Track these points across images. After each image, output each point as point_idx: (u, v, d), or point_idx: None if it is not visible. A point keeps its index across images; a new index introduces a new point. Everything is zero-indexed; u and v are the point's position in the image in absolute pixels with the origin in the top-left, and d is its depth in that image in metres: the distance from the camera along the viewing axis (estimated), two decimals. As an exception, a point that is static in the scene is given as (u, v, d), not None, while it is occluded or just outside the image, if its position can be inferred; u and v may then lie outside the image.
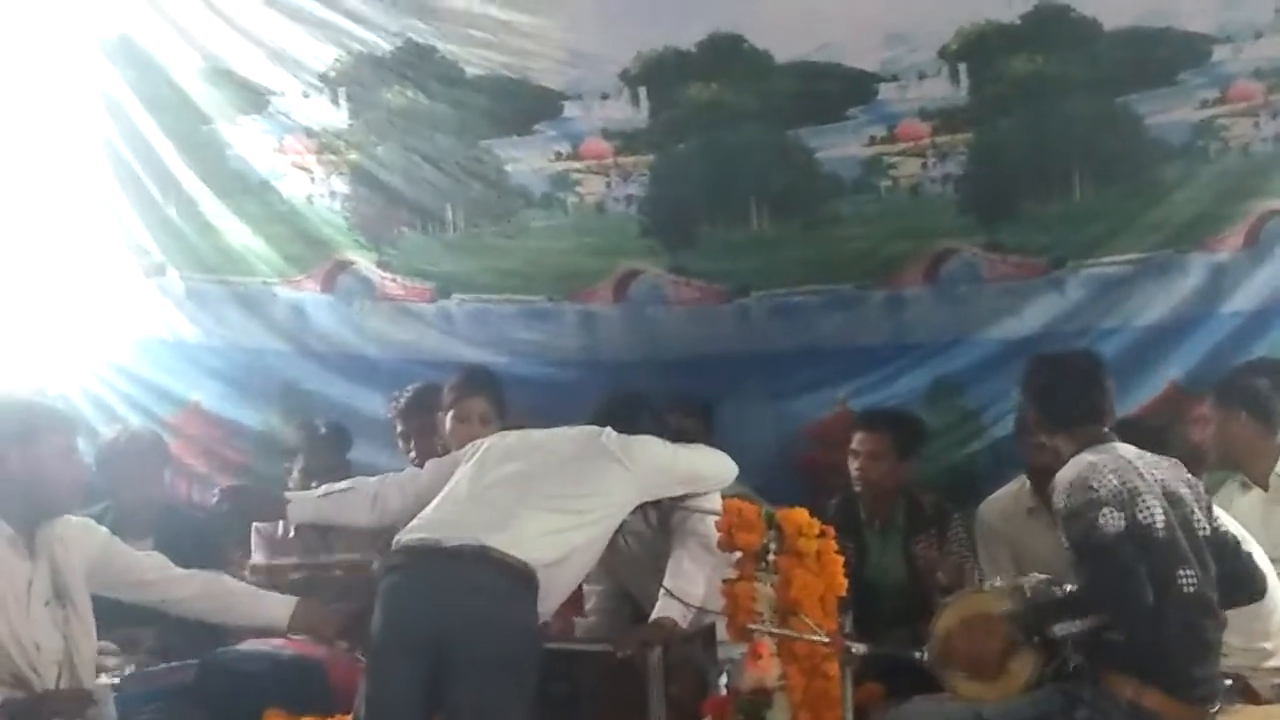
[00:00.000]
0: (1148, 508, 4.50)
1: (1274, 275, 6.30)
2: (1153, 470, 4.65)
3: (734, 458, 5.57)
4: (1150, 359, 6.37)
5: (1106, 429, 4.81)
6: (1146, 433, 5.23)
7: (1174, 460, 4.83)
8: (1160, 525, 4.50)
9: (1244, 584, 4.75)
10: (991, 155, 6.52)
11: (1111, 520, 4.43)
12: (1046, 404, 4.90)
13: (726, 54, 6.60)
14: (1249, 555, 4.81)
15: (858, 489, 6.10)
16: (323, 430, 6.49)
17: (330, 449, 6.41)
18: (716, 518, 4.84)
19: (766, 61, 6.57)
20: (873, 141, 6.56)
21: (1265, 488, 5.62)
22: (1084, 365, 5.02)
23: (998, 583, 4.93)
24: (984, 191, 6.54)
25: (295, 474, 6.38)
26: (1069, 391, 4.84)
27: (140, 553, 5.17)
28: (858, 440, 6.11)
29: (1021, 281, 6.54)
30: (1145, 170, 6.41)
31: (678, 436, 5.38)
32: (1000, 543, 5.81)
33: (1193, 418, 6.01)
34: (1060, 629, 4.48)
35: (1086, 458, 4.63)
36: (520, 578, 4.63)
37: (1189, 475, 4.79)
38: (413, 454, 6.19)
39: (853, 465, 6.10)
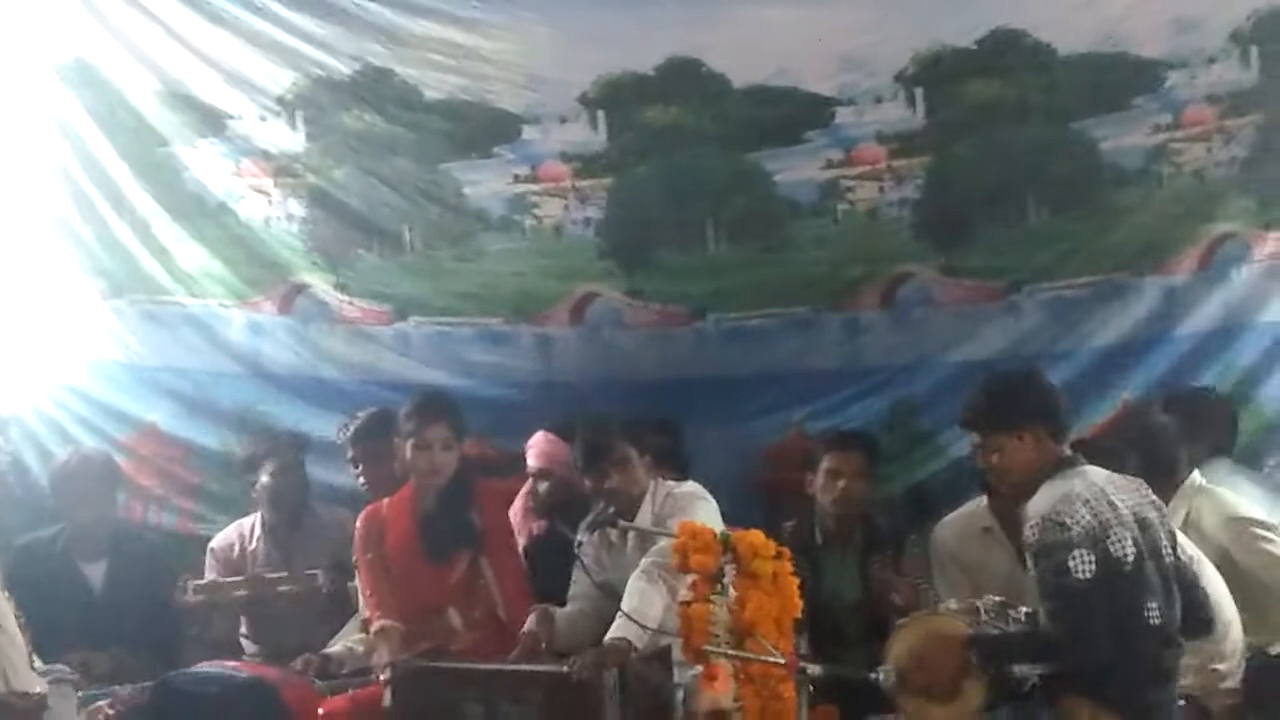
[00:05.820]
0: (1119, 540, 4.51)
1: (1228, 298, 6.34)
2: (1122, 496, 4.65)
3: (693, 479, 5.62)
4: (1105, 381, 6.39)
5: (1069, 449, 4.82)
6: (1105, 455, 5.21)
7: (1140, 481, 4.83)
8: (1130, 557, 4.52)
9: (1194, 619, 4.75)
10: (947, 179, 6.55)
11: (1082, 564, 4.44)
12: (994, 406, 4.88)
13: (684, 78, 6.62)
14: (1204, 590, 4.83)
15: (834, 510, 5.93)
16: (284, 437, 6.48)
17: (295, 453, 6.42)
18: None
19: (724, 85, 6.59)
20: (830, 165, 6.58)
21: None
22: (1024, 369, 5.38)
23: (953, 604, 4.94)
24: (940, 215, 6.57)
25: (264, 479, 6.33)
26: (1014, 391, 4.89)
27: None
28: (837, 461, 5.94)
29: (977, 305, 6.57)
30: (1100, 195, 6.45)
31: (656, 455, 5.62)
32: (956, 563, 5.79)
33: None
34: (1019, 670, 4.51)
35: (1060, 487, 4.62)
36: None
37: (1155, 498, 4.80)
38: (362, 480, 6.21)
39: (835, 485, 5.91)
